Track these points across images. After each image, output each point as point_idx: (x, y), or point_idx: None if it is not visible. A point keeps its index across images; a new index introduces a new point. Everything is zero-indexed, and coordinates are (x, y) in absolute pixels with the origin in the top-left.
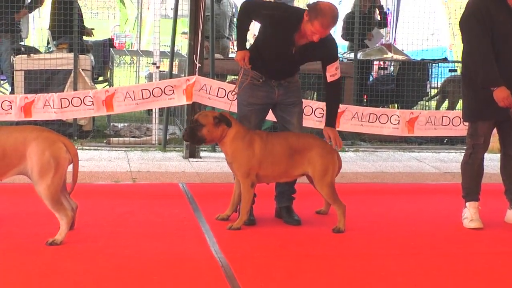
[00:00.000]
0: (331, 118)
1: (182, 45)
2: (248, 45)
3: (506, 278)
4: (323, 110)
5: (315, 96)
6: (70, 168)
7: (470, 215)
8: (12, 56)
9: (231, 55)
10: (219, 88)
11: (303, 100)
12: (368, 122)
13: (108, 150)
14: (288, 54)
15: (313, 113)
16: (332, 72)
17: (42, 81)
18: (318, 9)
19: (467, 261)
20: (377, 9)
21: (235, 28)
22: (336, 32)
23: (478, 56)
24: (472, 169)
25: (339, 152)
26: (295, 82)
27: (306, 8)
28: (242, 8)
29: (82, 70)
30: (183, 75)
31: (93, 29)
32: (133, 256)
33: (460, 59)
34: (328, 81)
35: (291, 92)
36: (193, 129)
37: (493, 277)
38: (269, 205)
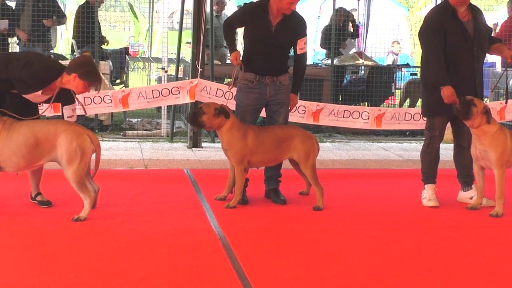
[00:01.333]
0: (296, 86)
1: (187, 53)
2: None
3: (458, 248)
4: (305, 107)
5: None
6: (93, 156)
7: (428, 195)
8: None
9: (227, 61)
10: (217, 89)
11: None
12: (343, 117)
13: (124, 141)
14: (270, 35)
15: (296, 110)
16: (301, 46)
17: None
18: None
19: (425, 234)
20: (350, 22)
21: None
22: (316, 41)
23: (432, 61)
24: (430, 156)
25: (319, 142)
26: (286, 85)
27: None
28: (224, 25)
29: (102, 74)
30: (187, 78)
31: (105, 37)
32: (146, 230)
33: (419, 65)
34: (298, 53)
35: (281, 93)
36: (195, 114)
37: (447, 248)
38: (259, 188)
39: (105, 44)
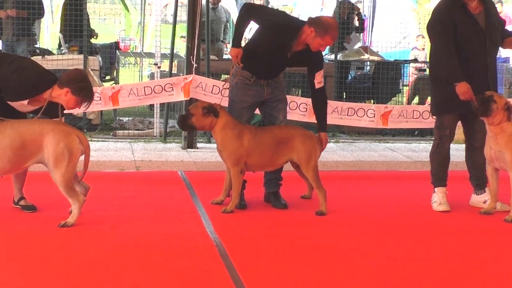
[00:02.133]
0: (323, 123)
1: (181, 48)
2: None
3: (470, 255)
4: (307, 105)
5: (299, 92)
6: (81, 158)
7: (438, 199)
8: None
9: (225, 56)
10: (213, 85)
11: (289, 96)
12: (347, 115)
13: (114, 141)
14: (283, 58)
15: (297, 107)
16: (319, 80)
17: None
18: (326, 25)
19: (435, 240)
20: (355, 15)
21: (233, 28)
22: None
23: (443, 55)
24: (440, 157)
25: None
26: (281, 82)
27: (306, 21)
28: (245, 9)
29: (91, 70)
30: (181, 74)
31: (93, 30)
32: (137, 236)
33: (428, 60)
34: (316, 87)
35: (278, 90)
36: (184, 117)
37: (458, 254)
38: (259, 191)
39: (94, 37)
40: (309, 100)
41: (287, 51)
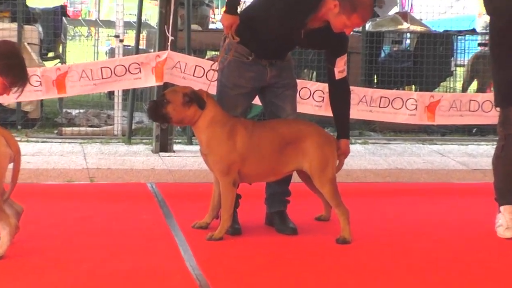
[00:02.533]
0: (344, 127)
1: (151, 14)
2: None
3: None
4: (324, 93)
5: (313, 75)
6: (10, 166)
7: (505, 221)
8: None
9: (211, 26)
10: (196, 66)
11: (299, 80)
12: (379, 107)
13: (60, 142)
14: (294, 36)
15: (311, 96)
16: (341, 67)
17: None
18: (357, 0)
19: (502, 280)
20: None
21: None
22: None
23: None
24: (506, 165)
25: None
26: (288, 61)
27: None
28: None
29: (28, 44)
30: (152, 50)
31: None
32: (91, 273)
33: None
34: (337, 78)
35: (285, 72)
36: (157, 104)
37: None
38: (258, 210)
39: None
40: (326, 87)
41: (300, 28)
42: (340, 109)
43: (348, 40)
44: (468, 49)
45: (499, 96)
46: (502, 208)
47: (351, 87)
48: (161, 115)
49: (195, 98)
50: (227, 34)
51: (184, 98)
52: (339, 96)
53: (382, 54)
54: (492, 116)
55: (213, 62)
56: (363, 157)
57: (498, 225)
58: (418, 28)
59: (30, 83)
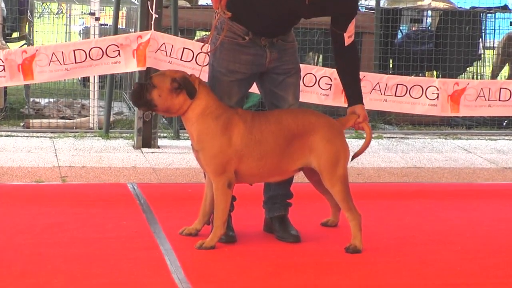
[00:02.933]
0: (357, 92)
1: None
2: None
3: None
4: (331, 80)
5: (319, 59)
6: None
7: None
8: None
9: (201, 2)
10: (184, 48)
11: (303, 65)
12: (395, 96)
13: (27, 136)
14: (296, 3)
15: (316, 83)
16: (350, 32)
17: None
18: None
19: None
20: None
21: None
22: None
23: None
24: None
25: (355, 138)
26: (291, 42)
27: None
28: None
29: None
30: (132, 30)
31: None
32: (63, 287)
33: None
34: (346, 44)
35: (287, 55)
36: (142, 88)
37: None
38: (256, 214)
39: None
40: (334, 73)
41: None
42: (351, 74)
43: (357, 3)
44: (499, 29)
45: None
46: None
47: (364, 73)
48: (145, 101)
49: (185, 85)
50: (216, 9)
51: (172, 84)
52: (349, 62)
53: (399, 35)
54: None
55: (203, 43)
56: (377, 154)
57: None
58: (441, 5)
59: None
